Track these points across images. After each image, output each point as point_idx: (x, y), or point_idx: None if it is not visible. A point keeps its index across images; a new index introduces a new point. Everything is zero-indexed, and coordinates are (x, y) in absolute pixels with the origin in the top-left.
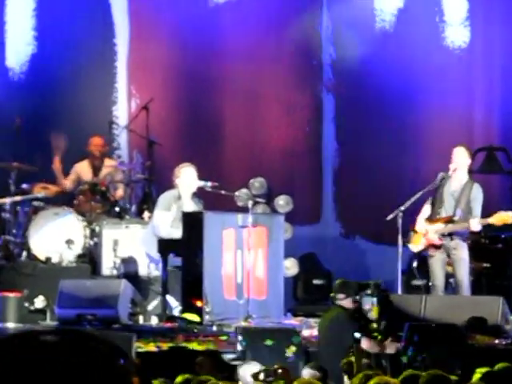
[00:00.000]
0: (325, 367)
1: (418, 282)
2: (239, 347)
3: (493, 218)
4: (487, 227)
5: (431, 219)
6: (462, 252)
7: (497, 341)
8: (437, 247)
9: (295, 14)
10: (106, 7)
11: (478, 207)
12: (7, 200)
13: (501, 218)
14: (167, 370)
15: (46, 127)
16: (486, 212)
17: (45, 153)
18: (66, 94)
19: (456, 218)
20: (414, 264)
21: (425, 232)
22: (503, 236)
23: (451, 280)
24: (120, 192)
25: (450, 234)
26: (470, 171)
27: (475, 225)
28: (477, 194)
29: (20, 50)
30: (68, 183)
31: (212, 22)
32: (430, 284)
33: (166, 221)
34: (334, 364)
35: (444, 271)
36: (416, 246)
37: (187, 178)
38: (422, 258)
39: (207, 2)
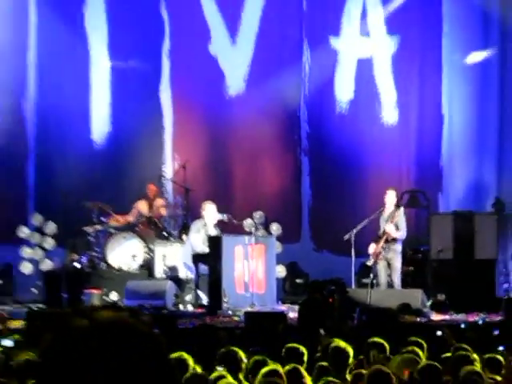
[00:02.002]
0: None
1: (365, 280)
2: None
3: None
4: (413, 242)
5: (375, 240)
6: (396, 261)
7: (418, 319)
8: (376, 254)
9: (282, 106)
10: (157, 101)
11: (398, 223)
12: (91, 228)
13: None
14: (200, 341)
15: (120, 178)
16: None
17: (117, 196)
18: (132, 158)
19: (388, 232)
20: (369, 263)
21: (374, 250)
22: (422, 249)
23: (388, 279)
24: (166, 222)
25: (388, 248)
26: (398, 204)
27: (390, 229)
28: (399, 216)
29: (100, 126)
30: (131, 217)
31: (228, 108)
32: (375, 281)
33: (197, 241)
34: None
35: (386, 273)
36: (370, 260)
37: (210, 211)
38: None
39: (224, 95)
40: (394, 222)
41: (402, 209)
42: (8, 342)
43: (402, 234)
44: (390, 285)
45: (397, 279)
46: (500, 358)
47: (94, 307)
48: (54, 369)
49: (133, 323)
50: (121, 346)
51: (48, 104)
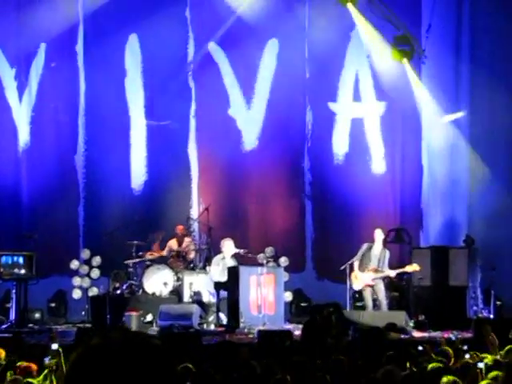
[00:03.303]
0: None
1: (359, 304)
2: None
3: (407, 267)
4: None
5: (362, 270)
6: (381, 287)
7: (402, 336)
8: (368, 285)
9: (289, 158)
10: (185, 155)
11: (387, 263)
12: (131, 261)
13: (412, 267)
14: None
15: (154, 219)
16: (395, 264)
17: (151, 234)
18: (165, 202)
19: (379, 269)
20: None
21: (359, 277)
22: (405, 276)
23: (377, 302)
24: (192, 255)
25: (377, 279)
26: (385, 242)
27: (392, 273)
28: (387, 257)
29: (138, 176)
30: (164, 252)
31: (244, 160)
32: (364, 304)
33: (215, 272)
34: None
35: (372, 298)
36: (357, 285)
37: (228, 247)
38: (358, 291)
39: (241, 150)
40: (383, 259)
41: (387, 251)
42: (55, 346)
43: (392, 272)
44: (377, 306)
45: (384, 300)
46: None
47: (113, 329)
48: (77, 376)
49: (141, 340)
50: (132, 360)
51: (95, 157)
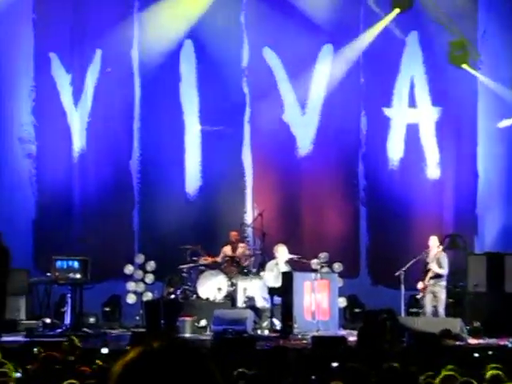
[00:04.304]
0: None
1: (413, 310)
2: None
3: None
4: (453, 278)
5: (422, 278)
6: (441, 294)
7: (457, 342)
8: (424, 289)
9: (343, 164)
10: (239, 160)
11: (444, 265)
12: (185, 266)
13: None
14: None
15: (209, 224)
16: (451, 270)
17: (206, 240)
18: (219, 208)
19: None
20: (418, 296)
21: (422, 286)
22: (460, 284)
23: (435, 309)
24: (248, 262)
25: (435, 283)
26: (441, 248)
27: (433, 266)
28: (445, 259)
29: (192, 181)
30: (219, 258)
31: (298, 165)
32: (421, 311)
33: (269, 278)
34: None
35: (431, 305)
36: (419, 295)
37: (281, 253)
38: (415, 298)
39: (295, 155)
40: (437, 261)
41: (443, 251)
42: (105, 350)
43: (443, 271)
44: (435, 314)
45: (442, 309)
46: None
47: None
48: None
49: (185, 348)
50: (174, 368)
51: (150, 163)
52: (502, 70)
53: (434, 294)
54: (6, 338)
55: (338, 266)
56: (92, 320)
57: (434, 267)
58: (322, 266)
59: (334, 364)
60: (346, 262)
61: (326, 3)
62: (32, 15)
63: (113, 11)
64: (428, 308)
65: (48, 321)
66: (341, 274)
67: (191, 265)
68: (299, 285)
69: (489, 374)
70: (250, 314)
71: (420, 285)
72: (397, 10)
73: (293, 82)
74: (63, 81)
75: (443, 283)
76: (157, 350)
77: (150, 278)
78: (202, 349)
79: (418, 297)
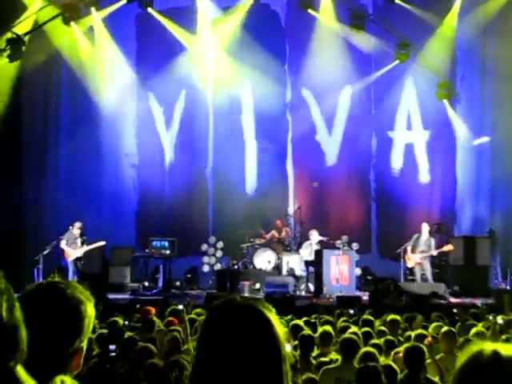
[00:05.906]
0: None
1: (410, 277)
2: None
3: (445, 247)
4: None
5: (413, 252)
6: (428, 266)
7: (442, 301)
8: (418, 263)
9: (359, 172)
10: (284, 168)
11: (433, 247)
12: (245, 245)
13: (448, 247)
14: (308, 312)
15: (263, 215)
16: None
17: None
18: (270, 202)
19: (425, 252)
20: (409, 265)
21: (412, 258)
22: (444, 259)
23: (424, 277)
24: (290, 242)
25: (425, 259)
26: (430, 232)
27: (435, 252)
28: (433, 243)
29: (251, 184)
30: (268, 237)
31: (326, 172)
32: (414, 278)
33: (305, 254)
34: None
35: (420, 273)
36: (410, 264)
37: (314, 235)
38: (410, 268)
39: (324, 165)
40: (433, 247)
41: (432, 237)
42: (180, 307)
43: (435, 252)
44: (424, 279)
45: (430, 277)
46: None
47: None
48: (211, 324)
49: (255, 305)
50: (249, 314)
51: (220, 171)
52: (475, 104)
53: (421, 265)
54: (116, 296)
55: (355, 245)
56: (177, 284)
57: (433, 253)
58: (344, 245)
59: (351, 311)
60: (361, 242)
61: (343, 56)
62: (136, 67)
63: (194, 59)
64: (418, 276)
65: (146, 284)
66: (357, 251)
67: (249, 244)
68: (327, 259)
69: (473, 330)
70: (291, 280)
71: (416, 258)
72: (397, 61)
73: (322, 112)
74: (157, 112)
75: (428, 258)
76: (232, 303)
77: (219, 253)
78: (258, 304)
79: (409, 266)
